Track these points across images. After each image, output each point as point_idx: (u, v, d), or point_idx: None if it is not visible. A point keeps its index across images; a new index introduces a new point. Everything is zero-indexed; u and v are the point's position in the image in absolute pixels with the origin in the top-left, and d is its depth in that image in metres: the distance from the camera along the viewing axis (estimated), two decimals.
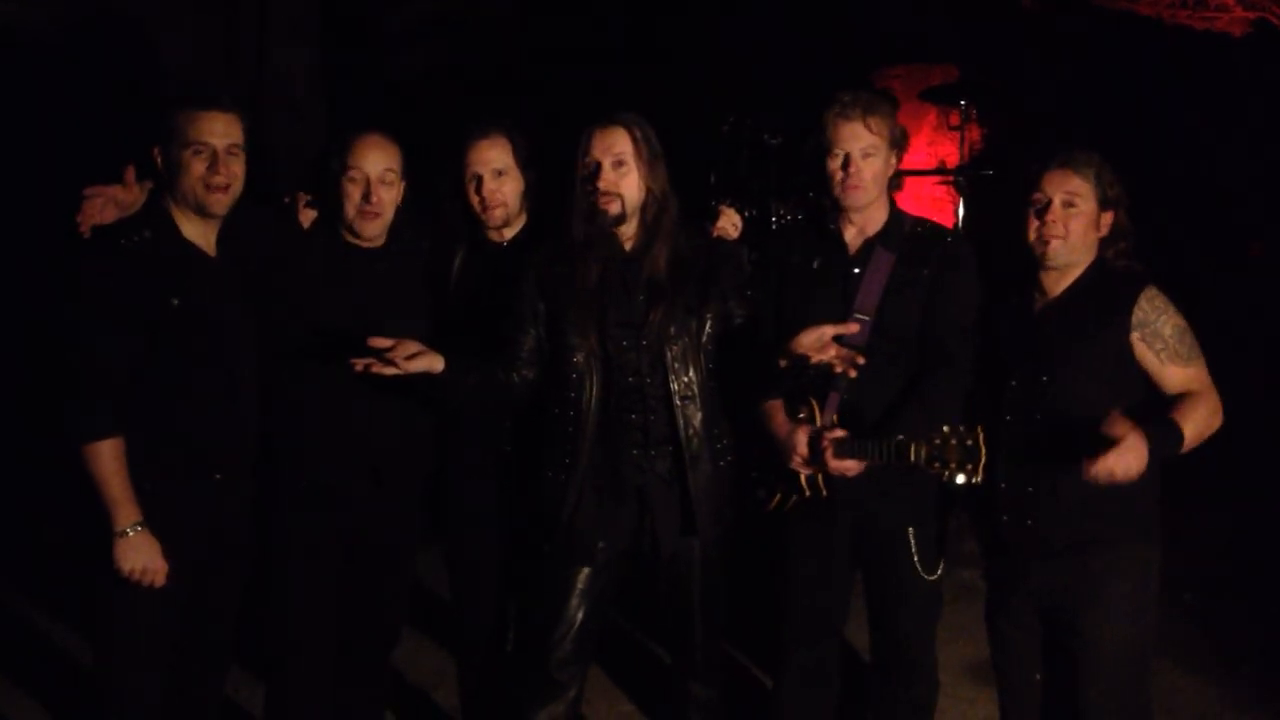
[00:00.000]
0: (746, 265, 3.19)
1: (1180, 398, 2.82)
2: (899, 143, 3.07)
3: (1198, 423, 2.78)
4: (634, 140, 2.97)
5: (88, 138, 5.14)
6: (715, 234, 3.25)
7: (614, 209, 2.97)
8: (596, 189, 2.96)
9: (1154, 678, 3.02)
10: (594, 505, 2.99)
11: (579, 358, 2.97)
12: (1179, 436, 2.75)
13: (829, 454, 2.90)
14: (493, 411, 3.19)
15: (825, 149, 3.02)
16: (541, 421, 3.07)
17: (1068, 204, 2.85)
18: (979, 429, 2.73)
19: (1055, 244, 2.85)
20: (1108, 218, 2.90)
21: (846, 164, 2.99)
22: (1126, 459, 2.66)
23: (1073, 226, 2.85)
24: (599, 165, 2.96)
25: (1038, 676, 3.05)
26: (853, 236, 3.10)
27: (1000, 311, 3.03)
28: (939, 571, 3.12)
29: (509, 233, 3.28)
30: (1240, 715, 3.79)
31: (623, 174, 2.97)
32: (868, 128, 2.98)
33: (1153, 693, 3.00)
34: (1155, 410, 2.81)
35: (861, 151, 2.98)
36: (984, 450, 2.73)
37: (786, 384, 2.99)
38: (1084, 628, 2.87)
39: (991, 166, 6.23)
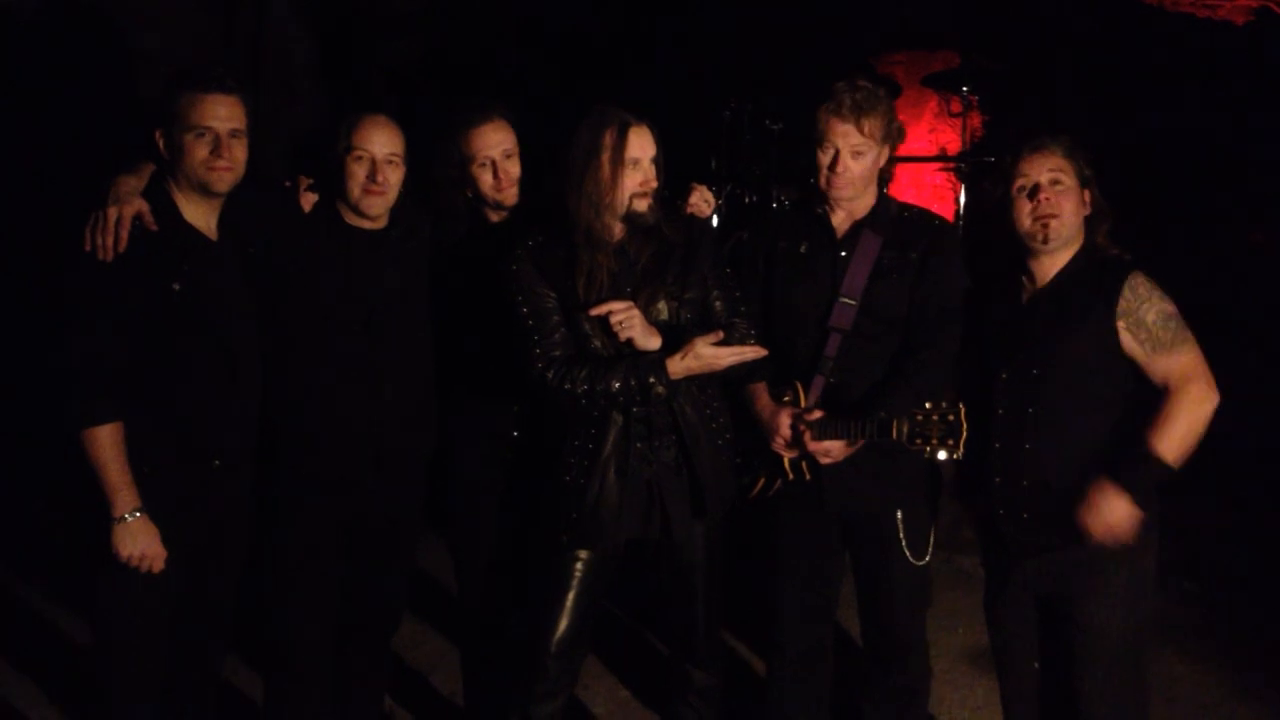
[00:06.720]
0: (721, 245, 3.17)
1: (1161, 399, 2.79)
2: (893, 138, 3.07)
3: (1179, 433, 2.75)
4: (655, 136, 2.92)
5: (83, 119, 5.12)
6: (688, 210, 3.24)
7: (650, 205, 2.90)
8: (644, 189, 2.88)
9: (1153, 666, 3.03)
10: (614, 493, 2.96)
11: (596, 344, 2.94)
12: (1159, 464, 2.74)
13: (808, 436, 2.94)
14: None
15: (817, 140, 3.03)
16: (555, 410, 3.03)
17: (1054, 182, 2.85)
18: (960, 405, 2.76)
19: (1054, 223, 2.83)
20: (1087, 195, 2.90)
21: (835, 162, 3.00)
22: (1103, 516, 2.73)
23: (1064, 204, 2.84)
24: (639, 164, 2.88)
25: (1036, 664, 3.05)
26: (840, 220, 3.11)
27: (991, 301, 3.03)
28: (928, 556, 3.12)
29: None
30: (1240, 703, 3.79)
31: (656, 173, 2.92)
32: (859, 129, 2.98)
33: (1152, 681, 3.01)
34: (1148, 403, 2.80)
35: (852, 150, 2.99)
36: (965, 426, 2.76)
37: (769, 367, 3.02)
38: (1081, 616, 2.87)
39: (993, 153, 6.20)
